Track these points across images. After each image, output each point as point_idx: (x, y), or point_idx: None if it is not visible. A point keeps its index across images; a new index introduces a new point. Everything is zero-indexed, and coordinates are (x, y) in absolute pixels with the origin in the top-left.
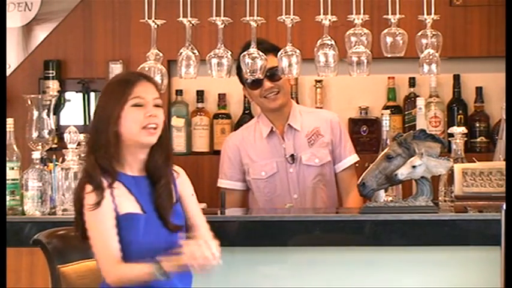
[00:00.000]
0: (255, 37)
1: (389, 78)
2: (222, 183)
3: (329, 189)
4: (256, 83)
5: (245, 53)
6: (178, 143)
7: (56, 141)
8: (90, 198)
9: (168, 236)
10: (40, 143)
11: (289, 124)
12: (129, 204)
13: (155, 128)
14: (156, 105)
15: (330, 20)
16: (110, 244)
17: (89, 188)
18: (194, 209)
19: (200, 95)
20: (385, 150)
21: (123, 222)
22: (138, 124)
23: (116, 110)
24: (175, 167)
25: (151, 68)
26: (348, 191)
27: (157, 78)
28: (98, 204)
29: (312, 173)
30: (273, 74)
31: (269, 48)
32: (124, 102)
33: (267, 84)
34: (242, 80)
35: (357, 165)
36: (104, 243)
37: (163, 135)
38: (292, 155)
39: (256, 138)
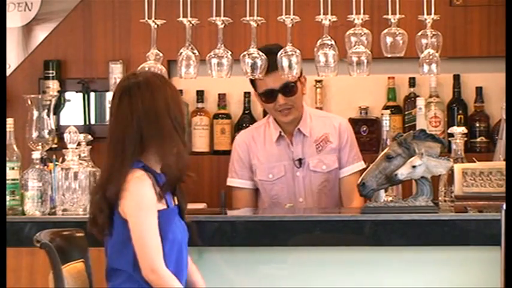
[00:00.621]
0: (255, 37)
1: (389, 78)
2: (233, 182)
3: (334, 194)
4: (270, 97)
5: (245, 53)
6: None
7: (56, 141)
8: (151, 191)
9: (183, 225)
10: (40, 143)
11: (298, 129)
12: (160, 202)
13: None
14: None
15: (330, 20)
16: (158, 240)
17: (147, 181)
18: None
19: (200, 95)
20: (385, 150)
21: (161, 218)
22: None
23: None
24: None
25: (151, 68)
26: (351, 197)
27: None
28: (160, 198)
29: (319, 179)
30: (287, 90)
31: None
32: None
33: (281, 99)
34: (256, 89)
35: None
36: (152, 239)
37: None
38: (299, 159)
39: (266, 141)
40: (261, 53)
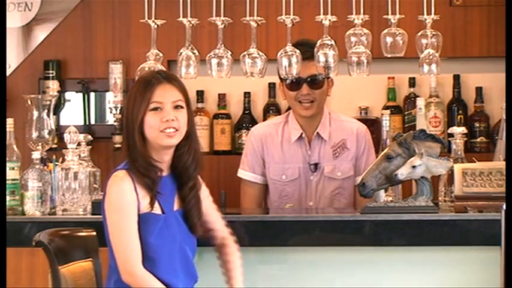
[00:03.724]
0: (255, 37)
1: (389, 78)
2: (244, 174)
3: (350, 202)
4: (295, 85)
5: (245, 53)
6: None
7: (56, 141)
8: (131, 191)
9: (186, 238)
10: (40, 143)
11: (317, 132)
12: (149, 204)
13: (175, 131)
14: (177, 107)
15: (330, 20)
16: (134, 241)
17: (126, 181)
18: (209, 207)
19: (200, 95)
20: (385, 150)
21: (141, 221)
22: (156, 128)
23: (139, 114)
24: None
25: (151, 68)
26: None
27: None
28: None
29: (332, 185)
30: (313, 81)
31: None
32: (145, 108)
33: (305, 89)
34: (281, 77)
35: None
36: (127, 239)
37: (189, 135)
38: (315, 164)
39: (283, 139)
40: (261, 53)
